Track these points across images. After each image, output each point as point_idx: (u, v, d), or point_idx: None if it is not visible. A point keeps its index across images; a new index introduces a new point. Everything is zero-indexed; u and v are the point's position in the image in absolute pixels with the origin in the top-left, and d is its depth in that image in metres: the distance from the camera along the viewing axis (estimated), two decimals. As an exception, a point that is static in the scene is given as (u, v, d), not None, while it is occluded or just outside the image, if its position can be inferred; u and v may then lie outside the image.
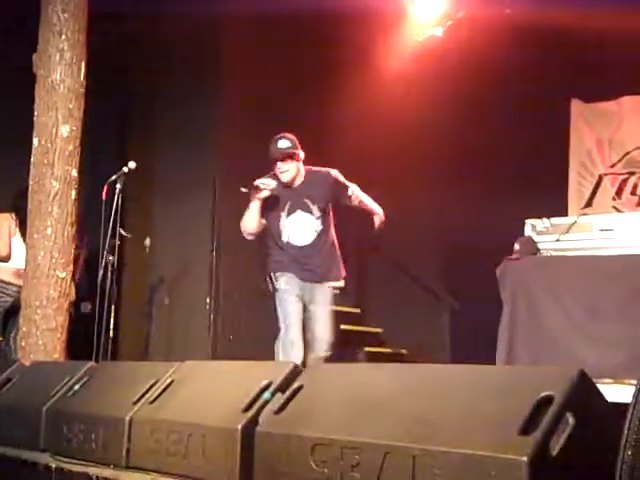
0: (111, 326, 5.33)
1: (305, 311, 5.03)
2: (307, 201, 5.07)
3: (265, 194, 5.02)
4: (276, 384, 2.97)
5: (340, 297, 6.83)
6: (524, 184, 6.72)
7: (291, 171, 5.06)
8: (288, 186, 5.11)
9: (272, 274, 5.08)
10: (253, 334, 5.85)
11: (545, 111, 6.96)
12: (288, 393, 2.90)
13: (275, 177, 5.09)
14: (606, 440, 2.10)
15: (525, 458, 2.02)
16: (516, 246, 5.28)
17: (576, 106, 7.45)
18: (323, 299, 5.11)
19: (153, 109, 6.44)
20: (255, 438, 2.82)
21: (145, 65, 6.39)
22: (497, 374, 2.64)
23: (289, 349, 4.80)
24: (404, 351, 6.33)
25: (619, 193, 6.73)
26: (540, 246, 5.21)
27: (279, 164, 5.05)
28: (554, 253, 5.18)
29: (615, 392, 3.36)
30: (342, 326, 6.55)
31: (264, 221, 5.16)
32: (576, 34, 6.24)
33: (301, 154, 5.11)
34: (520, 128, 6.76)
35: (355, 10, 5.66)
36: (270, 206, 5.10)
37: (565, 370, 2.25)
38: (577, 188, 7.31)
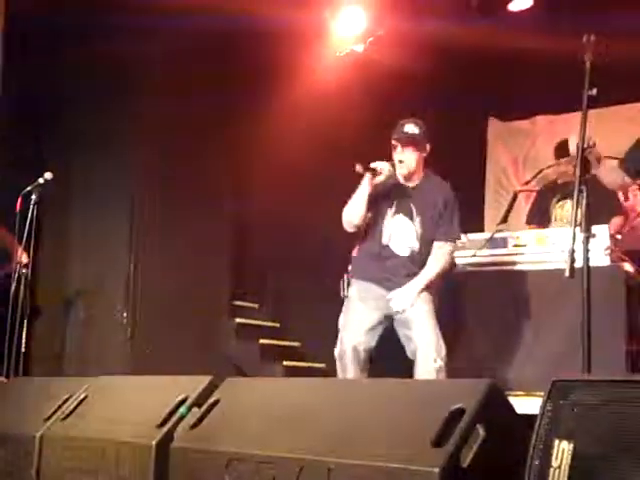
0: (23, 341, 5.19)
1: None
2: (413, 208, 4.40)
3: (380, 179, 4.33)
4: (192, 399, 2.95)
5: (258, 311, 6.84)
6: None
7: (410, 163, 4.36)
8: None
9: None
10: (172, 348, 5.78)
11: (463, 129, 7.10)
12: (204, 408, 2.88)
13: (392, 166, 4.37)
14: (515, 450, 2.15)
15: (437, 469, 2.06)
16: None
17: (493, 124, 7.63)
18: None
19: (72, 120, 6.32)
20: (170, 454, 2.79)
21: (65, 76, 6.27)
22: (411, 388, 2.68)
23: None
24: (322, 365, 6.33)
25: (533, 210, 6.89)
26: (457, 261, 5.29)
27: (399, 149, 4.34)
28: (470, 268, 5.26)
29: (526, 404, 3.44)
30: (260, 340, 6.53)
31: (371, 213, 4.41)
32: (494, 54, 6.40)
33: (427, 148, 4.43)
34: (439, 145, 6.86)
35: (276, 25, 5.67)
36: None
37: (477, 383, 2.30)
38: (493, 204, 7.47)
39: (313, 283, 6.58)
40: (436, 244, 4.42)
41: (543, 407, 2.10)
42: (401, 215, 4.41)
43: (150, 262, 5.91)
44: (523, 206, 7.03)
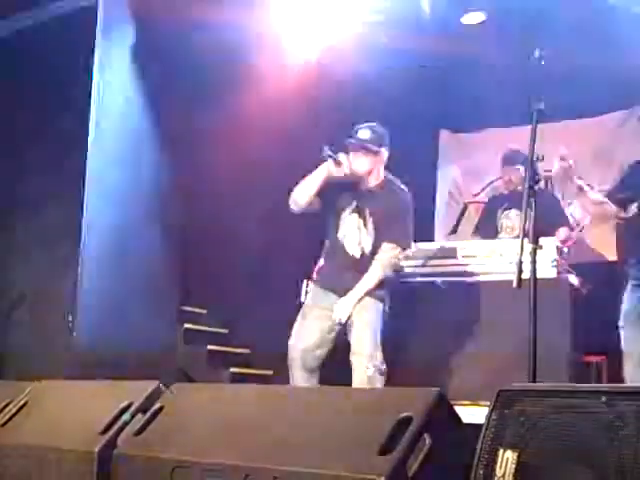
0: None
1: None
2: (367, 210, 4.44)
3: (338, 172, 4.33)
4: (137, 405, 2.91)
5: (207, 317, 6.79)
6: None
7: (363, 167, 4.40)
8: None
9: None
10: (118, 354, 5.70)
11: (415, 139, 7.15)
12: (149, 414, 2.84)
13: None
14: (461, 459, 2.16)
15: (383, 478, 2.06)
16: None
17: (444, 136, 7.70)
18: None
19: (16, 115, 6.20)
20: (113, 461, 2.74)
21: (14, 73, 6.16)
22: (359, 396, 2.67)
23: None
24: (270, 372, 6.31)
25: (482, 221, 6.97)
26: (406, 270, 5.32)
27: (351, 155, 4.38)
28: (420, 278, 5.30)
29: (472, 413, 3.47)
30: (208, 346, 6.48)
31: (318, 200, 4.45)
32: (446, 66, 6.46)
33: (385, 153, 4.49)
34: (390, 155, 6.90)
35: (231, 33, 5.63)
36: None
37: (424, 392, 2.31)
38: (443, 215, 7.54)
39: (263, 289, 6.56)
40: (385, 246, 4.37)
41: (489, 416, 2.12)
42: (355, 216, 4.44)
43: (98, 265, 5.82)
44: (473, 217, 7.11)
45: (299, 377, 4.31)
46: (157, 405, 2.87)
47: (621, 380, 3.80)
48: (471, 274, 5.10)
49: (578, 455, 1.86)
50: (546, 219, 5.31)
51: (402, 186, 4.55)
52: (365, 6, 6.10)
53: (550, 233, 4.99)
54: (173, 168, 6.32)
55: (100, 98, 5.73)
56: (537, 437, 1.96)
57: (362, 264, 4.39)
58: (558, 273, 4.56)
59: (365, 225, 4.42)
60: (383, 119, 6.81)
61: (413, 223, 4.52)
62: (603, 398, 1.88)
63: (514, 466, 1.97)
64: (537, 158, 3.28)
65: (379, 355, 4.25)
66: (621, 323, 3.84)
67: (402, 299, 5.16)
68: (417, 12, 6.14)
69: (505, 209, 5.66)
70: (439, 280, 5.20)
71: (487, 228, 5.75)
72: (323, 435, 2.36)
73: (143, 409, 2.88)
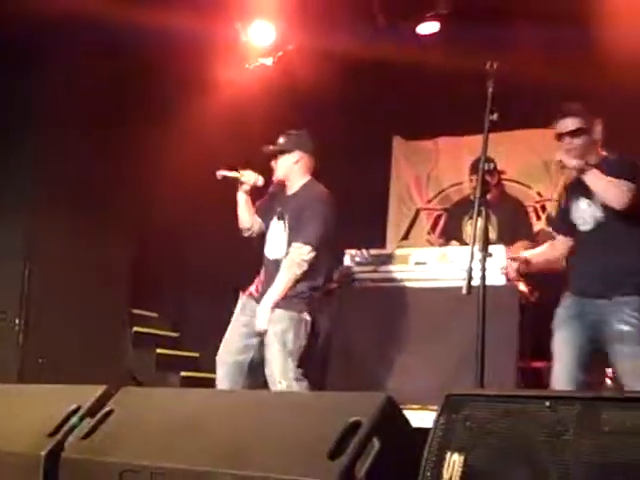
0: None
1: None
2: (285, 213, 4.50)
3: (245, 188, 4.55)
4: (85, 408, 2.88)
5: (157, 320, 6.75)
6: (345, 215, 6.90)
7: (279, 170, 4.52)
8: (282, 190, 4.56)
9: None
10: (67, 356, 5.64)
11: (369, 146, 7.20)
12: (97, 417, 2.82)
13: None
14: (410, 463, 2.18)
15: (327, 482, 2.07)
16: (335, 276, 5.40)
17: (397, 143, 7.75)
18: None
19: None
20: (60, 464, 2.72)
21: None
22: (309, 400, 2.69)
23: None
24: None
25: (433, 228, 7.04)
26: (358, 276, 5.35)
27: (273, 162, 4.55)
28: (371, 284, 5.33)
29: (421, 417, 3.50)
30: (158, 350, 6.44)
31: (259, 219, 4.63)
32: (401, 74, 6.52)
33: (303, 158, 4.51)
34: (344, 161, 6.95)
35: (186, 37, 5.63)
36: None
37: (373, 396, 2.33)
38: (395, 221, 7.59)
39: (213, 293, 6.54)
40: (293, 245, 4.35)
41: (436, 420, 2.15)
42: (280, 222, 4.50)
43: (46, 268, 5.75)
44: (424, 224, 7.18)
45: (222, 385, 4.29)
46: (106, 409, 2.85)
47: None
48: (422, 280, 5.15)
49: (522, 459, 1.90)
50: (507, 228, 5.43)
51: (321, 188, 4.55)
52: (320, 13, 6.13)
53: (508, 242, 5.07)
54: (126, 171, 6.29)
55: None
56: (483, 441, 2.00)
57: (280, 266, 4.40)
58: (507, 280, 4.63)
59: (285, 230, 4.47)
60: (337, 125, 6.89)
61: (321, 224, 4.41)
62: (547, 403, 1.92)
63: (460, 469, 2.00)
64: (489, 167, 3.34)
65: (292, 366, 4.18)
66: (553, 326, 3.89)
67: (353, 304, 5.19)
68: (372, 20, 6.22)
69: (470, 217, 5.73)
70: (390, 285, 5.24)
71: (450, 234, 5.81)
72: (272, 439, 2.37)
73: (91, 412, 2.85)
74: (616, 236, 3.69)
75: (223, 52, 6.28)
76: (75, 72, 5.80)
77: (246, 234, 4.68)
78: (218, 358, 4.38)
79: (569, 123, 3.77)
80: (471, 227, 5.65)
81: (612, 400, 1.84)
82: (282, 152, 4.53)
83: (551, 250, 4.14)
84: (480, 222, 3.31)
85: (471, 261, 3.16)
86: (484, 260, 3.18)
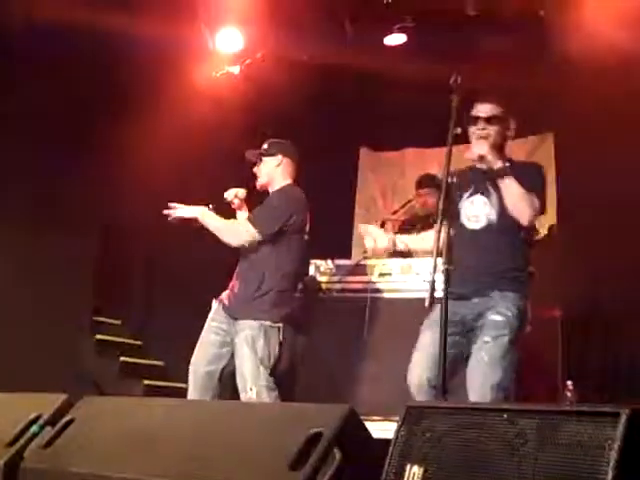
0: None
1: None
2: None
3: (236, 202, 4.60)
4: (46, 417, 2.86)
5: (120, 328, 6.69)
6: (310, 225, 6.91)
7: (261, 177, 4.53)
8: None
9: None
10: (27, 364, 5.58)
11: (335, 156, 7.24)
12: (58, 426, 2.80)
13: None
14: (371, 474, 2.19)
15: (290, 493, 2.07)
16: (300, 285, 5.40)
17: (364, 154, 7.80)
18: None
19: None
20: (19, 474, 2.69)
21: None
22: (271, 411, 2.69)
23: None
24: (185, 385, 6.26)
25: (399, 239, 7.07)
26: (323, 286, 5.36)
27: (255, 168, 4.56)
28: (336, 294, 5.34)
29: (383, 429, 3.51)
30: (121, 358, 6.39)
31: None
32: (368, 85, 6.56)
33: (285, 162, 4.52)
34: (310, 171, 6.95)
35: (152, 43, 5.61)
36: None
37: (335, 408, 2.34)
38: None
39: (179, 301, 6.51)
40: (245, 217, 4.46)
41: (397, 432, 2.17)
42: None
43: (2, 272, 5.69)
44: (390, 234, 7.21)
45: (192, 394, 4.26)
46: (67, 418, 2.83)
47: (521, 398, 3.84)
48: (386, 291, 5.17)
49: (481, 470, 1.92)
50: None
51: (296, 190, 4.56)
52: (288, 21, 6.15)
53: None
54: (90, 172, 6.25)
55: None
56: (442, 453, 2.02)
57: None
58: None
59: None
60: (304, 134, 6.89)
61: (272, 211, 4.42)
62: (505, 415, 1.95)
63: (420, 481, 2.02)
64: (452, 180, 3.35)
65: (263, 374, 4.16)
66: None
67: (316, 315, 5.20)
68: (341, 30, 6.25)
69: (420, 230, 5.77)
70: (354, 296, 5.26)
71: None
72: (234, 449, 2.37)
73: (52, 421, 2.83)
74: (500, 237, 3.60)
75: (190, 59, 6.27)
76: (41, 72, 5.75)
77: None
78: (191, 366, 4.34)
79: (487, 108, 3.66)
80: (420, 241, 5.75)
81: (570, 413, 1.87)
82: (264, 156, 4.53)
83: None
84: (443, 234, 3.32)
85: (434, 273, 3.17)
86: (447, 272, 3.20)
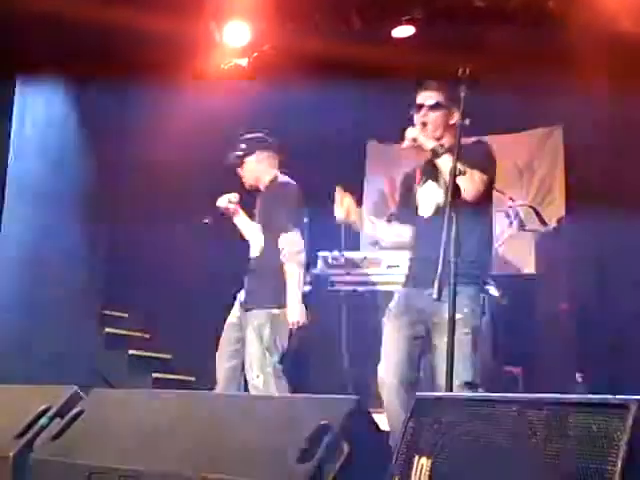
0: None
1: None
2: (256, 212, 4.58)
3: (231, 207, 4.63)
4: (55, 409, 2.87)
5: (128, 321, 6.70)
6: (319, 218, 6.90)
7: (247, 177, 4.61)
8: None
9: None
10: (36, 357, 5.59)
11: (343, 149, 7.22)
12: (67, 419, 2.81)
13: None
14: (379, 466, 2.19)
15: (298, 485, 2.08)
16: (308, 278, 5.41)
17: (371, 146, 7.78)
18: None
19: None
20: (29, 465, 2.70)
21: None
22: (280, 403, 2.69)
23: None
24: (192, 378, 6.27)
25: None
26: (331, 279, 5.37)
27: (238, 169, 4.65)
28: (345, 286, 5.35)
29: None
30: (130, 351, 6.41)
31: None
32: (375, 77, 6.53)
33: (266, 155, 4.61)
34: (318, 164, 6.96)
35: (160, 35, 5.59)
36: None
37: (343, 400, 2.34)
38: (369, 225, 7.59)
39: (187, 294, 6.52)
40: (281, 237, 4.36)
41: (405, 423, 2.17)
42: (253, 222, 4.60)
43: (14, 266, 5.70)
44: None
45: (220, 389, 4.34)
46: (76, 409, 2.84)
47: (532, 390, 3.86)
48: (394, 283, 5.17)
49: (489, 462, 1.92)
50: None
51: (286, 180, 4.61)
52: (295, 14, 6.14)
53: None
54: (99, 169, 6.26)
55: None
56: (450, 445, 2.02)
57: (258, 266, 4.46)
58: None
59: (259, 229, 4.53)
60: (311, 127, 6.89)
61: (287, 207, 4.47)
62: (514, 407, 1.94)
63: (428, 473, 2.02)
64: (459, 172, 3.33)
65: (269, 360, 4.20)
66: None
67: (326, 307, 5.21)
68: (348, 22, 6.23)
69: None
70: (362, 289, 5.27)
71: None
72: (242, 442, 2.37)
73: (61, 413, 2.84)
74: (450, 222, 3.27)
75: (197, 52, 6.26)
76: (47, 66, 5.76)
77: None
78: (216, 361, 4.42)
79: (429, 96, 3.75)
80: None
81: (579, 405, 1.86)
82: (245, 157, 4.59)
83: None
84: (452, 226, 3.30)
85: (442, 266, 3.16)
86: (455, 265, 3.18)
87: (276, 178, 4.61)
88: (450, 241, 3.15)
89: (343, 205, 3.79)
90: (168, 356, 6.67)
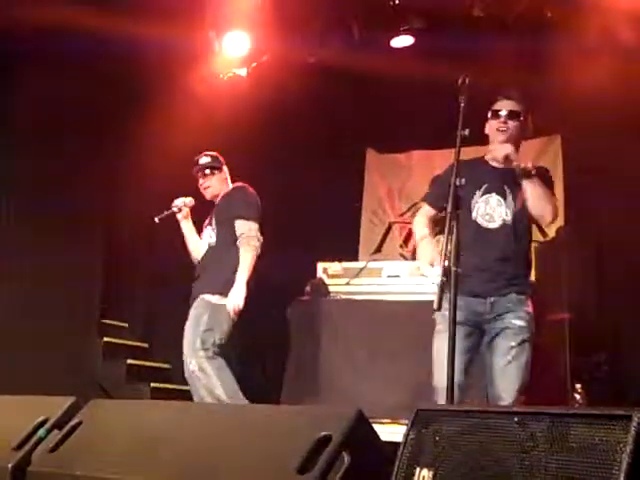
0: None
1: None
2: (213, 219, 4.82)
3: (183, 215, 4.91)
4: (53, 420, 2.85)
5: (127, 331, 6.69)
6: (318, 228, 6.91)
7: (214, 187, 4.87)
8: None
9: None
10: (35, 367, 5.57)
11: (342, 158, 7.22)
12: (65, 430, 2.79)
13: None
14: (379, 477, 2.18)
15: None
16: (307, 288, 5.40)
17: (370, 156, 7.78)
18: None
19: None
20: (27, 478, 2.68)
21: None
22: (279, 414, 2.68)
23: None
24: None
25: (406, 241, 7.05)
26: (331, 289, 5.36)
27: (200, 180, 4.89)
28: (344, 296, 5.34)
29: (392, 432, 3.50)
30: (129, 361, 6.38)
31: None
32: (375, 86, 6.55)
33: (223, 170, 4.91)
34: (317, 173, 6.96)
35: (159, 46, 5.60)
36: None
37: (343, 410, 2.32)
38: (368, 234, 7.60)
39: (185, 304, 6.50)
40: (236, 223, 4.62)
41: (406, 435, 2.15)
42: (208, 228, 4.82)
43: (10, 276, 5.69)
44: (397, 237, 7.20)
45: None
46: (74, 421, 2.82)
47: (530, 401, 3.84)
48: (394, 293, 5.16)
49: (491, 474, 1.91)
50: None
51: (241, 186, 4.84)
52: (295, 24, 6.15)
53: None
54: (96, 178, 6.25)
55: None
56: (452, 456, 2.00)
57: (211, 261, 4.71)
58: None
59: (213, 231, 4.77)
60: (311, 137, 6.89)
61: (246, 201, 4.74)
62: (515, 419, 1.93)
63: (429, 485, 2.00)
64: (460, 182, 3.32)
65: (200, 346, 4.39)
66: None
67: (325, 317, 5.19)
68: (347, 32, 6.24)
69: (435, 234, 5.77)
70: (362, 298, 5.25)
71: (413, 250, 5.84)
72: (242, 453, 2.36)
73: (59, 425, 2.83)
74: (513, 239, 3.66)
75: (197, 62, 6.26)
76: (48, 74, 5.75)
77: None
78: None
79: (509, 104, 3.73)
80: (436, 245, 5.76)
81: (581, 416, 1.85)
82: (214, 169, 4.87)
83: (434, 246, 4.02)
84: (451, 236, 3.30)
85: (442, 275, 3.15)
86: (455, 275, 3.17)
87: (232, 187, 4.89)
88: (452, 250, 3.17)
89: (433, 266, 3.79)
90: (167, 366, 6.64)
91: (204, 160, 4.90)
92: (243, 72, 6.46)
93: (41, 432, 2.80)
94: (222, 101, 6.35)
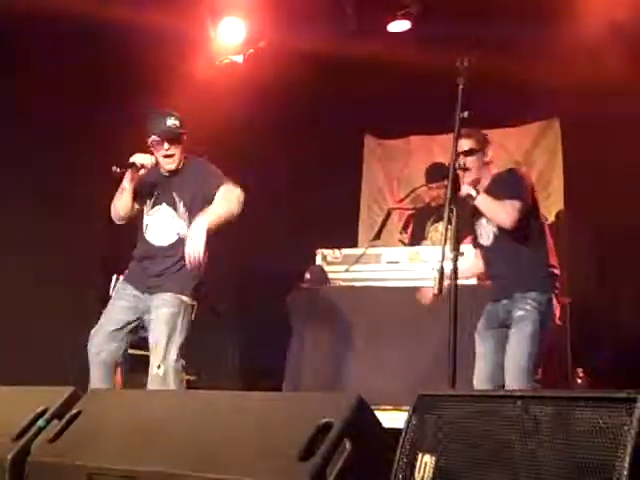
0: None
1: None
2: (175, 195, 4.22)
3: (142, 172, 4.20)
4: (52, 410, 2.84)
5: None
6: (317, 214, 6.89)
7: (177, 157, 4.21)
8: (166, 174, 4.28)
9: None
10: (32, 358, 5.57)
11: (340, 145, 7.20)
12: (65, 420, 2.78)
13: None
14: (381, 464, 2.16)
15: (302, 483, 2.05)
16: (307, 275, 5.38)
17: (369, 142, 7.75)
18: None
19: None
20: (26, 468, 2.67)
21: None
22: (280, 401, 2.66)
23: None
24: (193, 377, 6.24)
25: (405, 228, 7.03)
26: (330, 276, 5.34)
27: (166, 145, 4.19)
28: (343, 283, 5.32)
29: (393, 418, 3.49)
30: (129, 351, 6.37)
31: (138, 205, 4.33)
32: (372, 72, 6.51)
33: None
34: (315, 160, 6.94)
35: (155, 32, 5.57)
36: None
37: (344, 397, 2.30)
38: (367, 221, 7.59)
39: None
40: (223, 188, 4.10)
41: (408, 421, 2.14)
42: (164, 205, 4.26)
43: (10, 266, 5.68)
44: (396, 223, 7.18)
45: (93, 375, 4.17)
46: (73, 411, 2.80)
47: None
48: (394, 279, 5.14)
49: (494, 459, 1.89)
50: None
51: (199, 160, 4.37)
52: (291, 10, 6.11)
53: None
54: (95, 169, 6.22)
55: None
56: (454, 442, 1.99)
57: (177, 247, 4.16)
58: (478, 280, 4.64)
59: (176, 211, 4.23)
60: (308, 123, 6.86)
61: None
62: (518, 403, 1.91)
63: (432, 471, 1.99)
64: (459, 166, 3.32)
65: (174, 353, 4.06)
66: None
67: (325, 304, 5.18)
68: (344, 18, 6.21)
69: (433, 222, 5.76)
70: (362, 285, 5.24)
71: (418, 239, 5.83)
72: (243, 440, 2.34)
73: (59, 415, 2.81)
74: (511, 246, 3.91)
75: (193, 48, 6.23)
76: (44, 62, 5.72)
77: (120, 222, 4.40)
78: (90, 346, 4.26)
79: (463, 144, 3.87)
80: (434, 232, 5.75)
81: (584, 400, 1.83)
82: (179, 137, 4.25)
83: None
84: (452, 220, 3.29)
85: (442, 260, 3.14)
86: (455, 259, 3.16)
87: (190, 159, 4.35)
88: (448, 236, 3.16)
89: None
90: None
91: (171, 122, 4.23)
92: (239, 59, 6.42)
93: (40, 422, 2.79)
94: (219, 88, 6.32)
